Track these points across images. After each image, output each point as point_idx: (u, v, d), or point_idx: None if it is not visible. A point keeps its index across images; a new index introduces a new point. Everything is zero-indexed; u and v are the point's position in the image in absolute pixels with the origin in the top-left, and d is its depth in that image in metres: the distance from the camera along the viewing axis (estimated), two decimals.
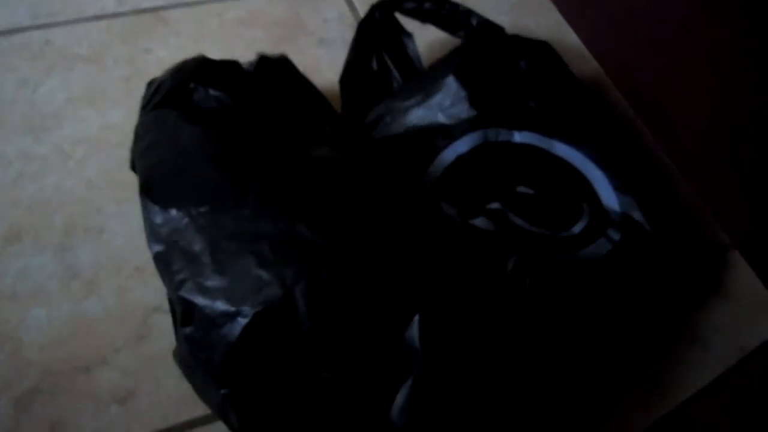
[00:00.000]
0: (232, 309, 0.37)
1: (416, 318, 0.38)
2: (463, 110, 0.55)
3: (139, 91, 0.61)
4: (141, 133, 0.47)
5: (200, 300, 0.38)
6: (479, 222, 0.49)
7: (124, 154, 0.58)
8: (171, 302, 0.41)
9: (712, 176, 0.59)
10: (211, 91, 0.48)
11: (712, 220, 0.60)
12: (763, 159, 0.53)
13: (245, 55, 0.66)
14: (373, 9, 0.61)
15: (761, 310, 0.56)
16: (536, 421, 0.44)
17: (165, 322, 0.50)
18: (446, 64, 0.59)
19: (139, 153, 0.46)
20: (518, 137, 0.55)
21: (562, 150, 0.55)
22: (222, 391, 0.37)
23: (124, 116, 0.60)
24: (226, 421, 0.39)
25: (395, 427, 0.37)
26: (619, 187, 0.53)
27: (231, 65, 0.50)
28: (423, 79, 0.59)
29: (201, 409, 0.46)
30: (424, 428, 0.38)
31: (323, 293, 0.38)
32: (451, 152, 0.54)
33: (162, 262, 0.40)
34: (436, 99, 0.56)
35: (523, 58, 0.59)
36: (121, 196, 0.56)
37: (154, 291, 0.51)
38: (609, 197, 0.53)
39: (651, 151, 0.64)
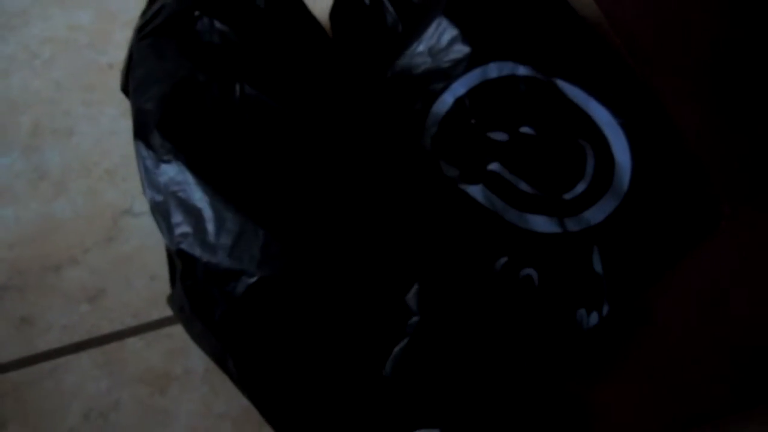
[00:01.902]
0: (237, 267, 0.37)
1: (416, 285, 0.39)
2: (457, 49, 0.53)
3: None
4: (137, 59, 0.45)
5: (203, 255, 0.38)
6: (479, 193, 0.48)
7: (93, 55, 0.57)
8: (169, 251, 0.41)
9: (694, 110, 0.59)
10: (217, 24, 0.45)
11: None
12: (744, 94, 0.54)
13: None
14: None
15: None
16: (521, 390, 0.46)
17: (135, 224, 0.50)
18: (436, 2, 0.56)
19: (135, 85, 0.44)
20: (522, 70, 0.53)
21: (564, 88, 0.54)
22: (221, 343, 0.38)
23: (92, 17, 0.58)
24: (224, 368, 0.39)
25: (387, 378, 0.39)
26: (624, 125, 0.52)
27: None
28: (415, 22, 0.56)
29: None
30: (414, 383, 0.39)
31: (329, 260, 0.38)
32: (449, 96, 0.52)
33: (160, 212, 0.40)
34: (428, 42, 0.53)
35: None
36: (89, 98, 0.54)
37: (123, 194, 0.51)
38: (616, 136, 0.53)
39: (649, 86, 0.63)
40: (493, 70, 0.53)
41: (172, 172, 0.40)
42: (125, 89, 0.46)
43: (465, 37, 0.53)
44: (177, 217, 0.39)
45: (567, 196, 0.50)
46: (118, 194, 0.51)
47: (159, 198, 0.40)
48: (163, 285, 0.46)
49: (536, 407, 0.45)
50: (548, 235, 0.48)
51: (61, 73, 0.55)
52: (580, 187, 0.50)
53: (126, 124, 0.44)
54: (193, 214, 0.39)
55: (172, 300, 0.41)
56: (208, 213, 0.39)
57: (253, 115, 0.42)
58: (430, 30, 0.54)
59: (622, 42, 0.65)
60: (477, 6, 0.56)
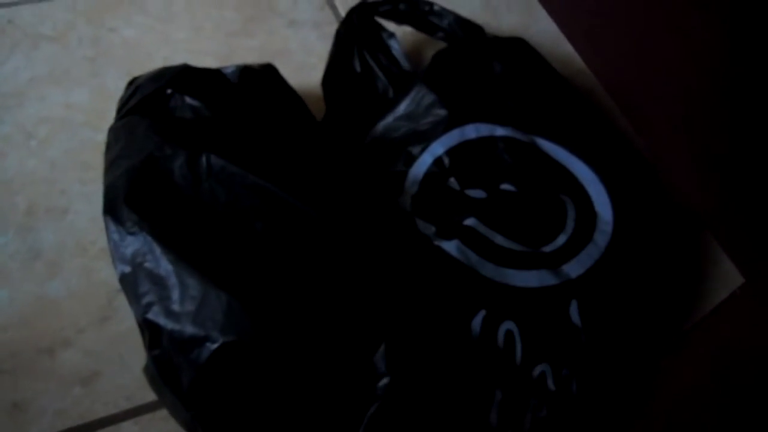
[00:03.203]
0: (201, 334, 0.37)
1: (383, 345, 0.39)
2: (435, 113, 0.54)
3: (103, 71, 0.61)
4: (111, 140, 0.46)
5: (167, 324, 0.38)
6: (454, 248, 0.48)
7: (88, 134, 0.57)
8: (139, 323, 0.41)
9: (688, 167, 0.59)
10: (188, 99, 0.47)
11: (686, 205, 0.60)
12: (738, 147, 0.54)
13: (214, 36, 0.66)
14: (350, 13, 0.60)
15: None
16: None
17: None
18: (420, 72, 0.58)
19: (108, 163, 0.45)
20: (500, 131, 0.54)
21: (544, 146, 0.55)
22: (189, 413, 0.37)
23: (88, 96, 0.59)
24: None
25: None
26: (605, 180, 0.53)
27: (212, 74, 0.49)
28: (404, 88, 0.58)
29: None
30: None
31: (293, 324, 0.38)
32: (428, 156, 0.53)
33: (128, 283, 0.40)
34: (407, 107, 0.55)
35: (497, 60, 0.58)
36: (85, 176, 0.55)
37: None
38: (597, 191, 0.53)
39: (633, 143, 0.64)
40: (471, 131, 0.54)
41: (138, 243, 0.40)
42: None
43: (442, 101, 0.55)
44: (143, 286, 0.39)
45: (547, 249, 0.50)
46: (113, 273, 0.50)
47: (127, 270, 0.40)
48: None
49: None
50: (526, 289, 0.48)
51: (56, 153, 0.56)
52: (561, 240, 0.50)
53: None
54: (158, 282, 0.39)
55: (146, 371, 0.41)
56: (172, 281, 0.38)
57: (218, 182, 0.42)
58: (410, 96, 0.56)
59: (617, 103, 0.66)
60: (455, 73, 0.57)
